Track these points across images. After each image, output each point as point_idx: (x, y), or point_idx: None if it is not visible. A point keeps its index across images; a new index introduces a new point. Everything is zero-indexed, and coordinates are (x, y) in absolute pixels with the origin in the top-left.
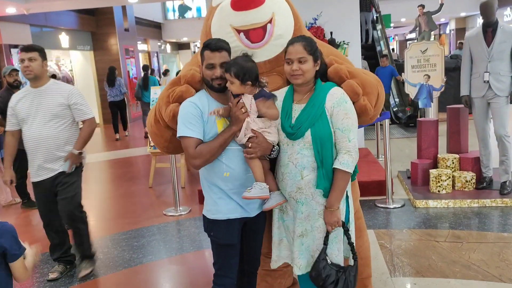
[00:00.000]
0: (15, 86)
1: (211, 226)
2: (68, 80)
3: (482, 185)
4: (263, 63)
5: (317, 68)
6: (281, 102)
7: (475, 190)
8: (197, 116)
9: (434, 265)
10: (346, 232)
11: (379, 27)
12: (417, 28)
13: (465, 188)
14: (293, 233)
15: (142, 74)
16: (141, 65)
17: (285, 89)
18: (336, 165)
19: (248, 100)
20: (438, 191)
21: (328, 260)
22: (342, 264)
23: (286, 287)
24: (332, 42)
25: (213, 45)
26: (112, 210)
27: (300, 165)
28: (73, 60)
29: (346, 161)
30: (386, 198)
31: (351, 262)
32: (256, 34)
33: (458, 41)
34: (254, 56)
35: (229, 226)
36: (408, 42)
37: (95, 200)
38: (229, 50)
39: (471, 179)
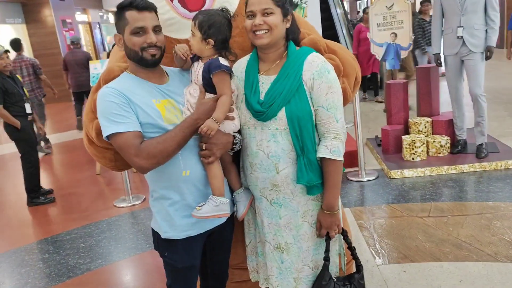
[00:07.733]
0: None
1: (164, 246)
2: None
3: (457, 149)
4: None
5: (287, 25)
6: (243, 74)
7: (450, 155)
8: (123, 104)
9: (421, 246)
10: (346, 236)
11: None
12: None
13: (439, 153)
14: (264, 243)
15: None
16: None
17: (246, 57)
18: (326, 154)
19: (198, 67)
20: (413, 158)
21: (333, 278)
22: (338, 273)
23: None
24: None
25: (139, 2)
26: (53, 205)
27: (273, 156)
28: (3, 36)
29: (337, 148)
30: (359, 170)
31: (343, 265)
32: None
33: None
34: None
35: (189, 245)
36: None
37: None
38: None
39: (446, 144)
